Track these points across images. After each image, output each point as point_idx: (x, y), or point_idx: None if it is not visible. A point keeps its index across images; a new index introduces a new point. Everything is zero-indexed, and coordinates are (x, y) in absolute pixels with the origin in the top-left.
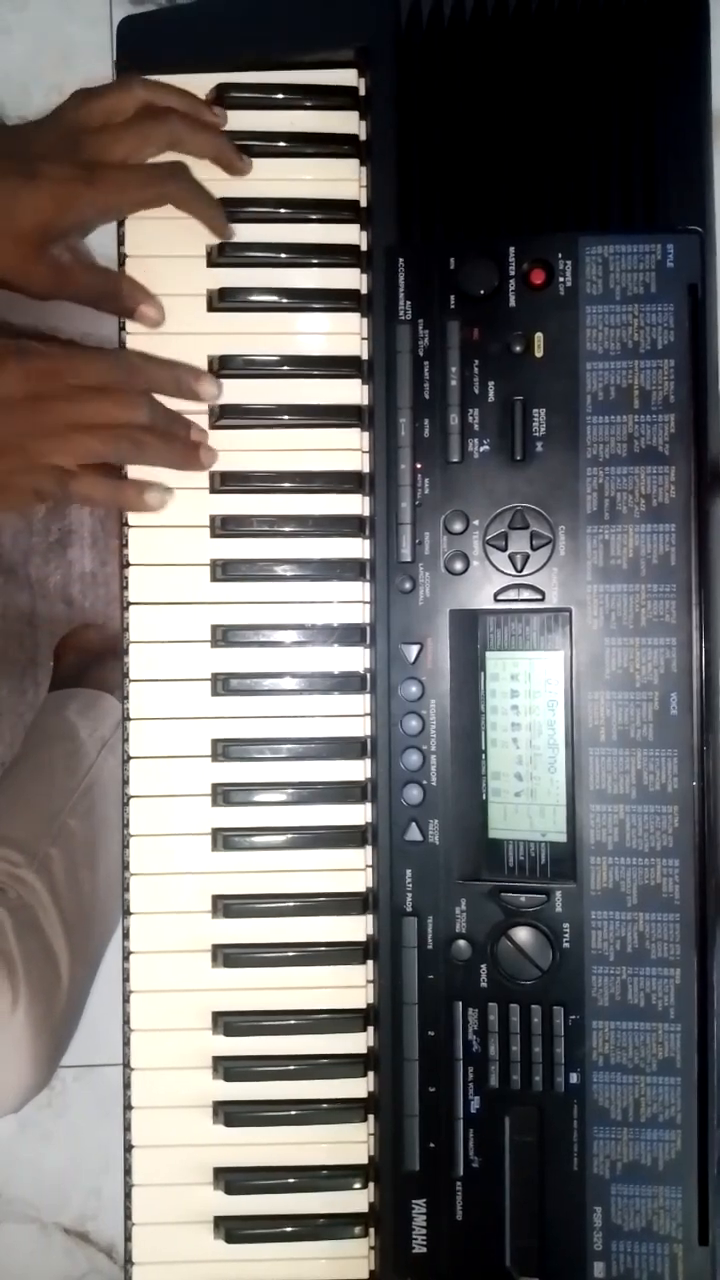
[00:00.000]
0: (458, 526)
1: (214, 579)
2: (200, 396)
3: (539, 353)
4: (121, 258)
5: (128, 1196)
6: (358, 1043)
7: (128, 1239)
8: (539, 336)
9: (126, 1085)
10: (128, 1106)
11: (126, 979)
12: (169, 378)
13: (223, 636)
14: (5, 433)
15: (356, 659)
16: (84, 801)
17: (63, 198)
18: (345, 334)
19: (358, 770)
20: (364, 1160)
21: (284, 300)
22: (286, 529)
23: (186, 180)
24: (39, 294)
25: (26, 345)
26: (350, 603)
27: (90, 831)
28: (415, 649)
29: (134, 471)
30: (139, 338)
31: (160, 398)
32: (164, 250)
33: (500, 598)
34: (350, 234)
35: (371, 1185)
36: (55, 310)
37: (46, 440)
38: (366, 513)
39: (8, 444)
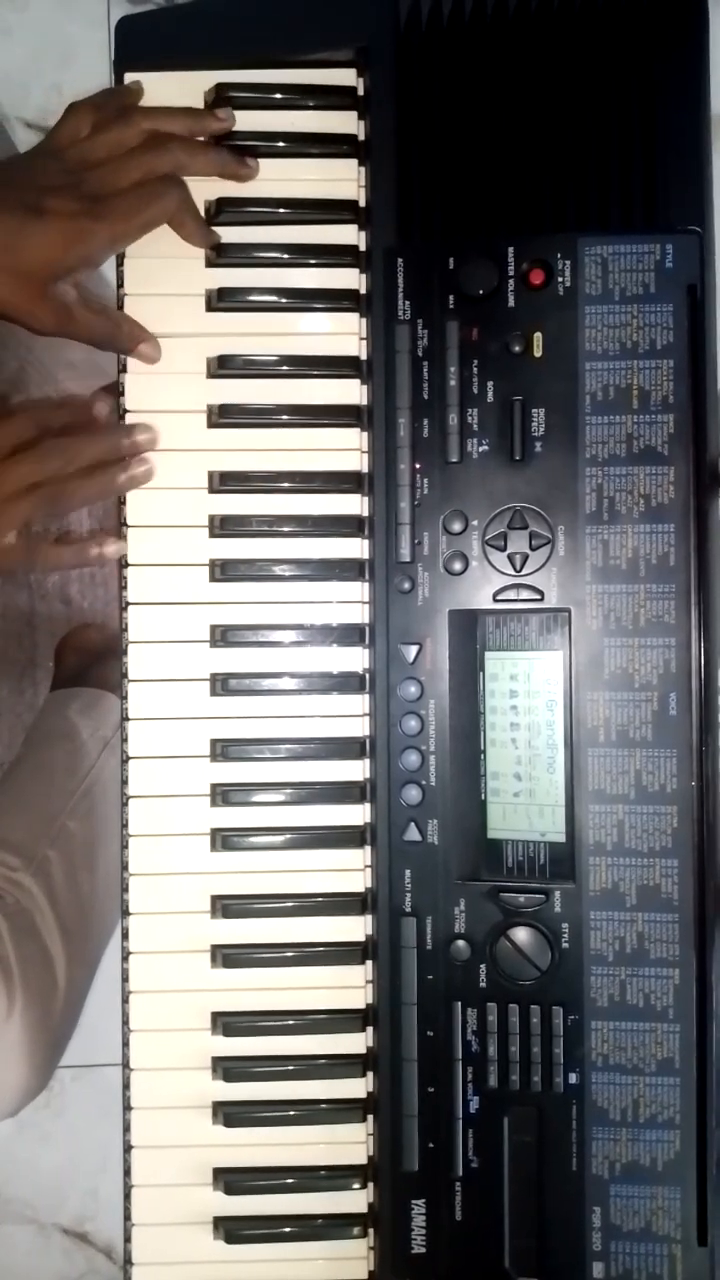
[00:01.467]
0: (457, 526)
1: (213, 579)
2: (99, 416)
3: (538, 353)
4: (120, 258)
5: (127, 1197)
6: (357, 1043)
7: (127, 1239)
8: (538, 336)
9: (126, 1085)
10: (127, 1107)
11: (126, 979)
12: (73, 417)
13: (222, 636)
14: None
15: (355, 659)
16: (84, 803)
17: (71, 234)
18: (344, 334)
19: (357, 770)
20: (363, 1160)
21: (283, 300)
22: (285, 529)
23: (181, 199)
24: (40, 330)
25: None
26: (349, 603)
27: (90, 833)
28: (414, 649)
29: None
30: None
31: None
32: (163, 251)
33: (499, 598)
34: (349, 234)
35: (370, 1185)
36: None
37: None
38: (365, 513)
39: None
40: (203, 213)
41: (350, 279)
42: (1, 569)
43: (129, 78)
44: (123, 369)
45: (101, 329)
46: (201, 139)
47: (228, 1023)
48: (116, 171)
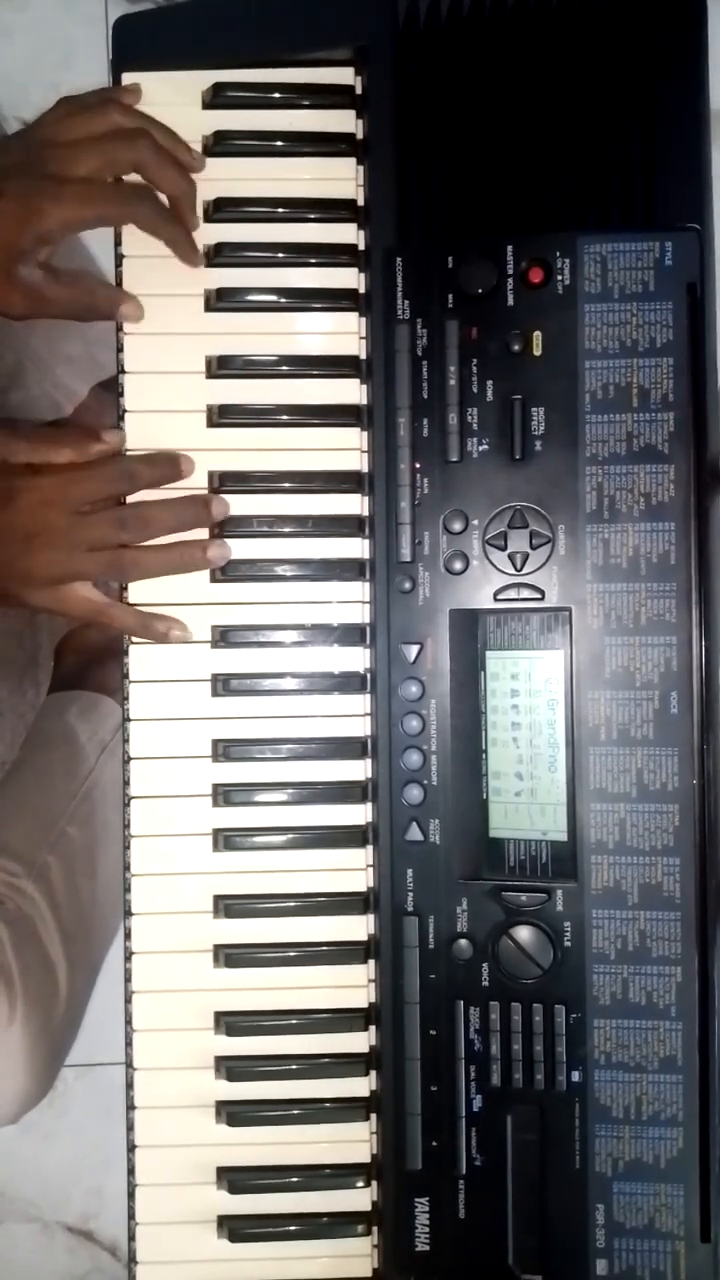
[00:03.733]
0: (457, 526)
1: (214, 579)
2: (183, 476)
3: (537, 352)
4: (119, 258)
5: (131, 1196)
6: (359, 1042)
7: (131, 1238)
8: (537, 335)
9: (129, 1085)
10: (130, 1106)
11: (128, 979)
12: (157, 474)
13: (223, 637)
14: (16, 564)
15: (356, 659)
16: (83, 807)
17: (25, 214)
18: (344, 334)
19: (358, 770)
20: (366, 1159)
21: (282, 300)
22: (286, 529)
23: (154, 204)
24: (14, 315)
25: (16, 482)
26: (350, 603)
27: (89, 838)
28: (415, 649)
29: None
30: (138, 338)
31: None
32: (161, 251)
33: (500, 597)
34: (348, 233)
35: (374, 1184)
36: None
37: (50, 567)
38: (366, 512)
39: (20, 573)
40: (200, 212)
41: (349, 278)
42: (66, 614)
43: (127, 77)
44: (122, 369)
45: (76, 300)
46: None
47: (230, 1022)
48: (77, 154)
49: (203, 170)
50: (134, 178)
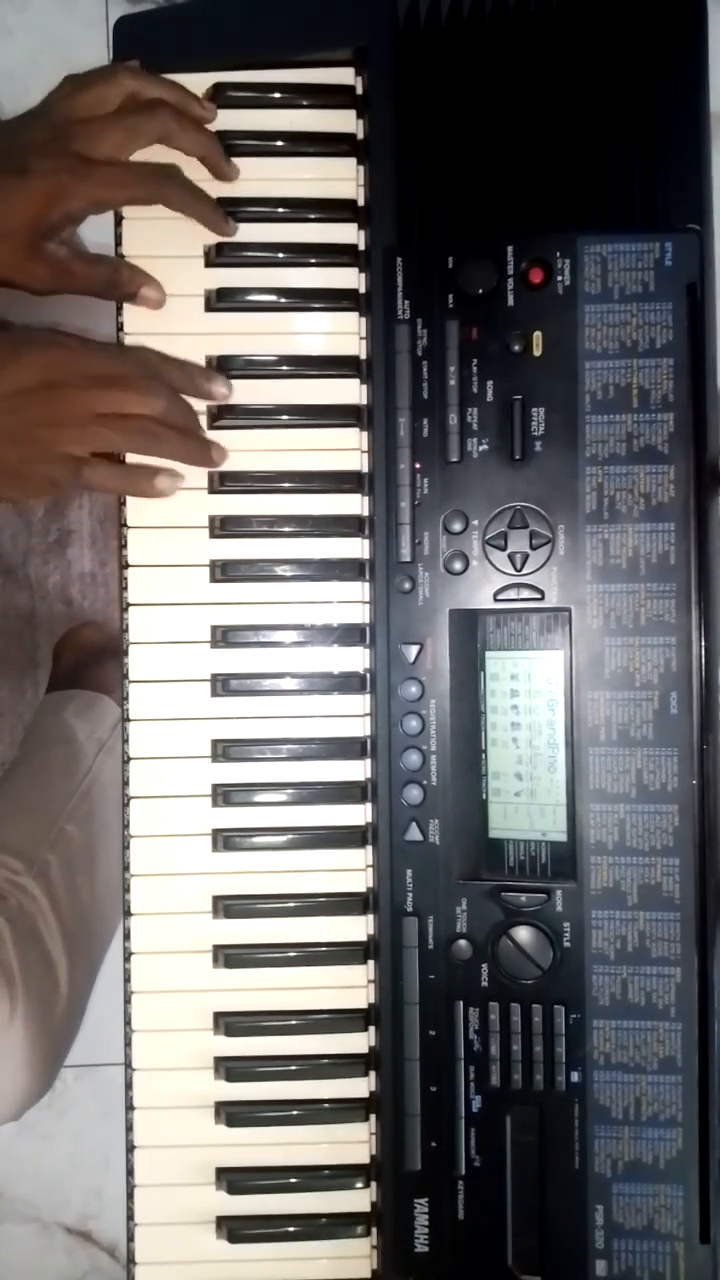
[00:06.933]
0: (457, 526)
1: (213, 579)
2: (212, 395)
3: (538, 352)
4: (119, 258)
5: (130, 1197)
6: (359, 1043)
7: (130, 1239)
8: (538, 336)
9: (128, 1085)
10: (129, 1107)
11: (128, 979)
12: (181, 374)
13: (222, 637)
14: (21, 422)
15: (356, 659)
16: (82, 806)
17: (54, 192)
18: (344, 334)
19: (358, 770)
20: (365, 1160)
21: (282, 300)
22: (286, 529)
23: (181, 182)
24: (39, 290)
25: (44, 336)
26: (350, 603)
27: (88, 837)
28: (415, 649)
29: (137, 458)
30: (139, 337)
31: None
32: (161, 251)
33: (500, 597)
34: (348, 233)
35: (373, 1185)
36: (55, 307)
37: (63, 429)
38: (366, 513)
39: (24, 433)
40: None
41: (349, 278)
42: (57, 486)
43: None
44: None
45: (101, 277)
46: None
47: (230, 1023)
48: (102, 130)
49: (214, 118)
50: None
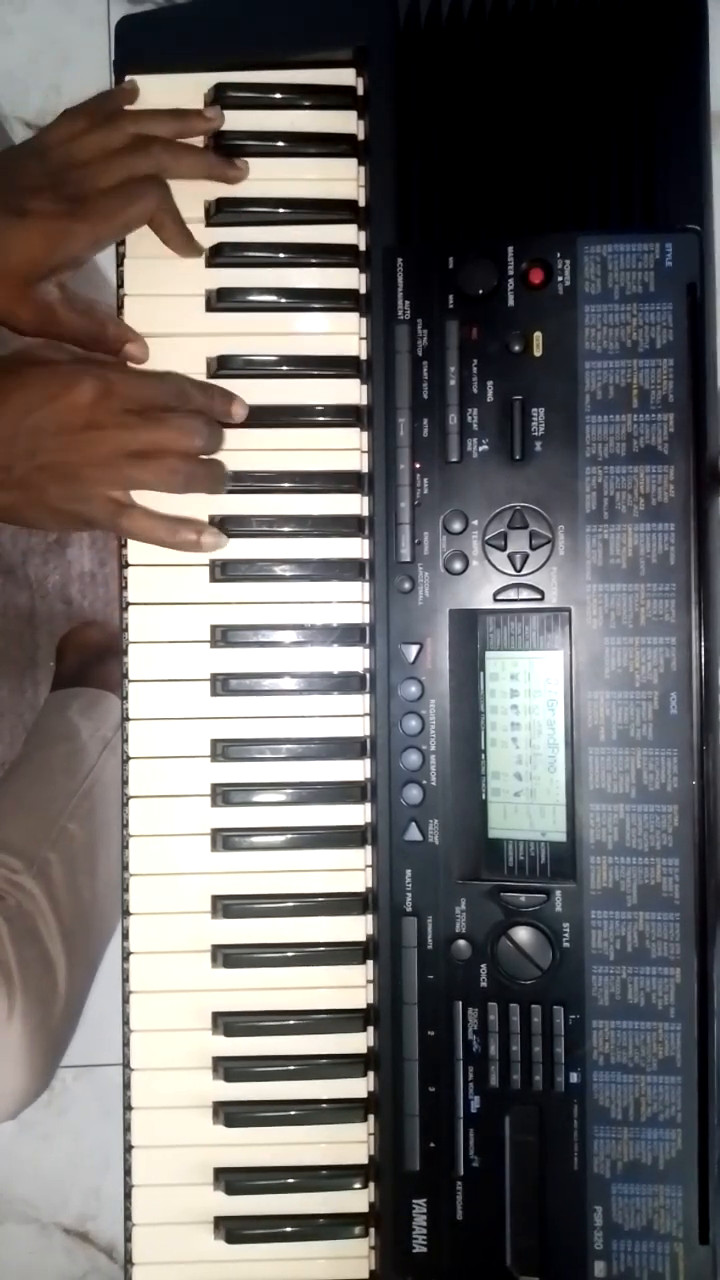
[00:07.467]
0: (457, 526)
1: (213, 579)
2: (231, 417)
3: (538, 352)
4: (120, 258)
5: (128, 1197)
6: (358, 1043)
7: (128, 1239)
8: (538, 336)
9: (126, 1085)
10: (128, 1107)
11: (126, 979)
12: (205, 398)
13: (222, 637)
14: (66, 459)
15: (356, 659)
16: (84, 804)
17: (53, 235)
18: (344, 334)
19: (357, 770)
20: (364, 1160)
21: (283, 300)
22: (286, 529)
23: (162, 192)
24: (21, 330)
25: (77, 368)
26: (350, 603)
27: (90, 835)
28: (415, 649)
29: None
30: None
31: None
32: (162, 251)
33: (500, 597)
34: (349, 234)
35: (372, 1185)
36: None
37: (100, 468)
38: (366, 512)
39: (67, 471)
40: (202, 213)
41: (350, 279)
42: (93, 525)
43: (129, 78)
44: None
45: (85, 329)
46: (188, 141)
47: (228, 1023)
48: (98, 172)
49: (223, 122)
50: None
